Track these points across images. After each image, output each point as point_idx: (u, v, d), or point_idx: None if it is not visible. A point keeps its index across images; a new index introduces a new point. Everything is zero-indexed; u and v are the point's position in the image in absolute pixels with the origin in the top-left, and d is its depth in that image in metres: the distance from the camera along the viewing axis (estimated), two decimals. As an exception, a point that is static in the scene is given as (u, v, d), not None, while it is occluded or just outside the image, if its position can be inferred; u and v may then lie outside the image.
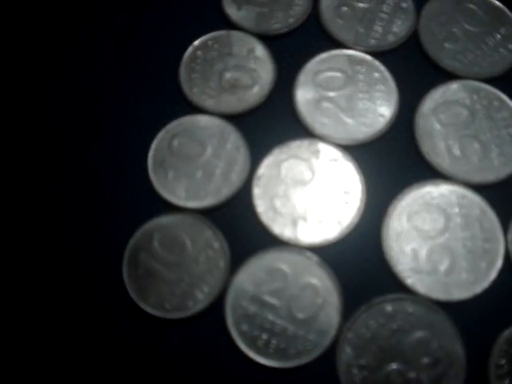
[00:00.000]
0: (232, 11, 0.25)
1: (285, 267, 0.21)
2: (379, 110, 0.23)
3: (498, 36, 0.24)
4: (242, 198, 0.22)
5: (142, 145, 0.23)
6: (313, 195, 0.22)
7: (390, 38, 0.24)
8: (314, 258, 0.21)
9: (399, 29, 0.24)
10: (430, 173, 0.22)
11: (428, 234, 0.21)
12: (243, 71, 0.24)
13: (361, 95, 0.23)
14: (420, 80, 0.24)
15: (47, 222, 0.22)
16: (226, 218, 0.22)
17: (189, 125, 0.23)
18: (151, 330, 0.21)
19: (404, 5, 0.25)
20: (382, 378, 0.20)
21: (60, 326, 0.21)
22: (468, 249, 0.21)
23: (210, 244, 0.21)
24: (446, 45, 0.24)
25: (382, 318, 0.20)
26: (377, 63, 0.24)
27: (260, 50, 0.24)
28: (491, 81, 0.23)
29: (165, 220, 0.22)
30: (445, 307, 0.21)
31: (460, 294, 0.21)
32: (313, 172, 0.22)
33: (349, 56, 0.24)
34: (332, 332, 0.20)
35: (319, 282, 0.21)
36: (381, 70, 0.24)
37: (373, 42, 0.24)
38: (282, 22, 0.24)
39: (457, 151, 0.22)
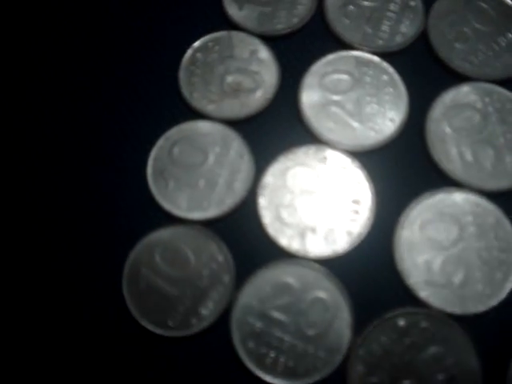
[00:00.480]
0: (233, 11, 0.23)
1: (292, 281, 0.20)
2: (388, 114, 0.22)
3: (510, 36, 0.23)
4: (247, 209, 0.21)
5: (140, 153, 0.21)
6: (321, 205, 0.21)
7: (399, 39, 0.23)
8: (323, 270, 0.20)
9: (407, 29, 0.23)
10: (442, 180, 0.21)
11: (441, 245, 0.20)
12: (246, 74, 0.23)
13: (369, 99, 0.22)
14: (430, 82, 0.23)
15: (44, 236, 0.21)
16: (231, 230, 0.21)
17: (189, 131, 0.22)
18: (154, 348, 0.20)
19: (412, 3, 0.24)
20: (396, 396, 0.19)
21: (59, 345, 0.20)
22: (483, 259, 0.20)
23: (214, 257, 0.20)
24: (456, 45, 0.23)
25: (394, 333, 0.20)
26: (385, 65, 0.23)
27: (263, 52, 0.23)
28: (504, 83, 0.23)
29: (166, 232, 0.21)
30: (460, 321, 0.20)
31: (475, 306, 0.20)
32: (320, 180, 0.21)
33: (356, 57, 0.23)
34: (343, 349, 0.19)
35: (329, 296, 0.20)
36: (389, 72, 0.23)
37: (380, 42, 0.23)
38: (285, 21, 0.23)
39: (469, 157, 0.22)
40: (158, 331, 0.20)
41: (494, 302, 0.20)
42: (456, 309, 0.20)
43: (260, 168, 0.21)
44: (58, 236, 0.21)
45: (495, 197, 0.21)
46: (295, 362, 0.19)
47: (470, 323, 0.20)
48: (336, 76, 0.23)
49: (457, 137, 0.22)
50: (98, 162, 0.22)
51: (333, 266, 0.20)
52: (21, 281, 0.21)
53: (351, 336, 0.20)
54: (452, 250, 0.20)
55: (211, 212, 0.21)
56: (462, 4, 0.24)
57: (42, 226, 0.21)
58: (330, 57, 0.23)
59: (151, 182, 0.21)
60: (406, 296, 0.20)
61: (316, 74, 0.23)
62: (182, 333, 0.20)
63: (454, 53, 0.23)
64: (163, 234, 0.21)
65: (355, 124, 0.22)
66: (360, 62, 0.23)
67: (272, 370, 0.19)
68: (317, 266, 0.20)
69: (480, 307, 0.20)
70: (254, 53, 0.23)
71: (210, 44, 0.23)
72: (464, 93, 0.22)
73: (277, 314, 0.20)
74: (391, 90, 0.22)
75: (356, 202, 0.21)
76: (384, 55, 0.23)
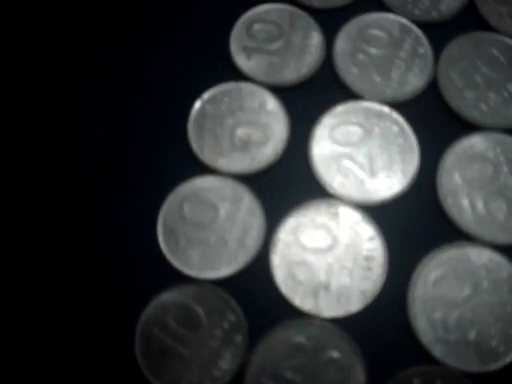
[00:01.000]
0: (241, 61, 0.23)
1: (305, 341, 0.20)
2: (399, 166, 0.22)
3: (520, 83, 0.23)
4: (259, 265, 0.21)
5: (150, 210, 0.21)
6: (333, 262, 0.21)
7: (408, 88, 0.23)
8: (337, 330, 0.20)
9: (417, 78, 0.23)
10: (454, 232, 0.21)
11: (455, 301, 0.20)
12: (255, 127, 0.22)
13: (379, 151, 0.22)
14: (440, 131, 0.23)
15: (56, 295, 0.21)
16: (243, 289, 0.21)
17: (199, 187, 0.22)
18: (167, 410, 0.20)
19: (421, 50, 0.24)
20: None
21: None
22: (496, 315, 0.20)
23: (226, 317, 0.20)
24: (466, 93, 0.23)
25: (409, 393, 0.19)
26: (395, 115, 0.23)
27: (272, 104, 0.23)
28: (514, 131, 0.22)
29: (177, 292, 0.20)
30: (475, 379, 0.20)
31: (491, 364, 0.20)
32: (333, 237, 0.21)
33: (365, 109, 0.23)
34: (357, 410, 0.19)
35: (342, 356, 0.20)
36: (400, 123, 0.22)
37: (390, 91, 0.23)
38: (294, 72, 0.23)
39: (481, 209, 0.21)
40: (172, 393, 0.20)
41: (509, 359, 0.20)
42: (471, 367, 0.20)
43: (271, 223, 0.21)
44: (69, 297, 0.21)
45: (508, 250, 0.21)
46: (309, 424, 0.19)
47: (487, 381, 0.20)
48: (346, 128, 0.22)
49: (469, 188, 0.22)
50: (107, 220, 0.22)
51: (346, 324, 0.20)
52: (32, 347, 0.20)
53: (366, 397, 0.20)
54: (465, 306, 0.20)
55: (223, 271, 0.21)
56: (471, 50, 0.24)
57: (53, 287, 0.21)
58: (340, 108, 0.23)
59: (161, 240, 0.21)
60: (420, 354, 0.20)
61: (326, 126, 0.22)
62: (196, 395, 0.20)
63: (464, 101, 0.23)
64: (174, 294, 0.20)
65: (366, 178, 0.22)
66: (370, 113, 0.23)
67: (286, 430, 0.19)
68: (330, 325, 0.20)
69: (495, 365, 0.20)
70: (262, 105, 0.23)
71: (219, 96, 0.23)
72: (475, 142, 0.22)
73: (290, 375, 0.20)
74: (401, 141, 0.22)
75: (368, 258, 0.21)
76: (394, 105, 0.23)
